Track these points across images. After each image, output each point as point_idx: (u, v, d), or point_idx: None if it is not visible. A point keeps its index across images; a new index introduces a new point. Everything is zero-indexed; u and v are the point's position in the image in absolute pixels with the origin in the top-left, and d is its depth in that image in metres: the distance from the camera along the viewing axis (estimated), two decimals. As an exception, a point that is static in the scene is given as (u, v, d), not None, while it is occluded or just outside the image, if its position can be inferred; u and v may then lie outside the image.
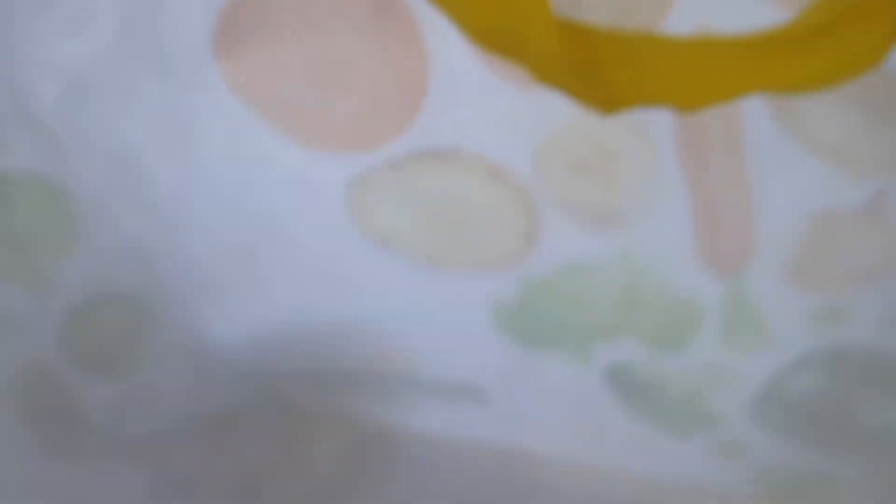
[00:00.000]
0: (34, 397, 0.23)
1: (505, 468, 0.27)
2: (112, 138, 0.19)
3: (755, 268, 0.19)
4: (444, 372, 0.26)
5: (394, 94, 0.18)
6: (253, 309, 0.25)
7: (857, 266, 0.19)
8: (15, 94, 0.19)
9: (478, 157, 0.19)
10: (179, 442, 0.27)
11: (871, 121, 0.16)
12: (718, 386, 0.23)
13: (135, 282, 0.23)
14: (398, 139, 0.19)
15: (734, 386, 0.23)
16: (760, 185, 0.18)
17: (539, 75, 0.13)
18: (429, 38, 0.17)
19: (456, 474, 0.27)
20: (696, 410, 0.24)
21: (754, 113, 0.16)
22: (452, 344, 0.25)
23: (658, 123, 0.17)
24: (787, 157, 0.17)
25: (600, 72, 0.12)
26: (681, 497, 0.26)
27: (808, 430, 0.23)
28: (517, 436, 0.27)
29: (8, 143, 0.20)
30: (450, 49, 0.17)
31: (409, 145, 0.19)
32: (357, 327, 0.26)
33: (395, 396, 0.28)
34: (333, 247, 0.23)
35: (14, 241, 0.21)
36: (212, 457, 0.27)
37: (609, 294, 0.21)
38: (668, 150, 0.17)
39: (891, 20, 0.12)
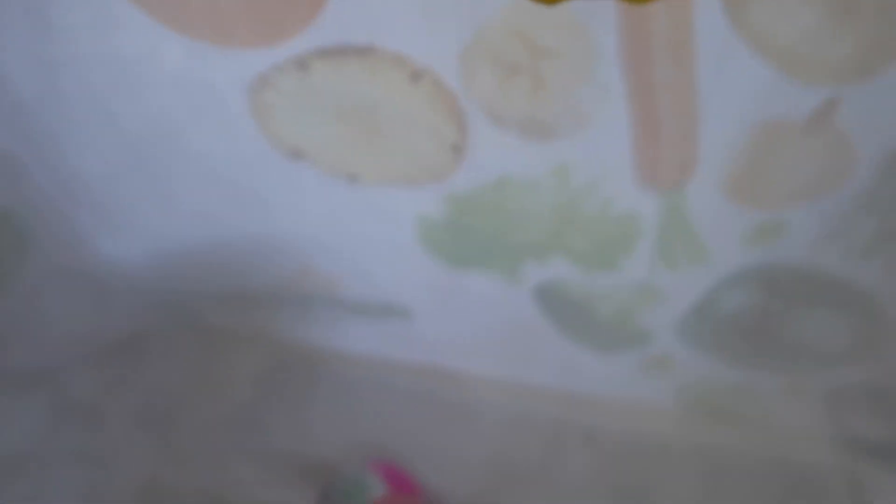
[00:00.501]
0: None
1: (430, 388, 0.26)
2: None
3: (694, 182, 0.18)
4: (367, 291, 0.25)
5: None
6: (152, 225, 0.23)
7: (798, 181, 0.18)
8: None
9: (396, 56, 0.16)
10: (81, 369, 0.25)
11: (828, 20, 0.15)
12: (650, 304, 0.22)
13: (3, 197, 0.20)
14: (302, 33, 0.16)
15: (666, 304, 0.22)
16: (706, 93, 0.16)
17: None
18: None
19: (380, 395, 0.26)
20: (625, 329, 0.23)
21: (706, 12, 0.15)
22: (375, 262, 0.23)
23: (599, 21, 0.15)
24: (737, 60, 0.15)
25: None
26: (604, 412, 0.26)
27: (733, 346, 0.23)
28: (443, 356, 0.26)
29: None
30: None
31: (315, 40, 0.16)
32: (273, 244, 0.24)
33: (315, 315, 0.27)
34: (240, 157, 0.21)
35: None
36: (117, 384, 0.26)
37: (542, 212, 0.20)
38: (610, 51, 0.15)
39: None
